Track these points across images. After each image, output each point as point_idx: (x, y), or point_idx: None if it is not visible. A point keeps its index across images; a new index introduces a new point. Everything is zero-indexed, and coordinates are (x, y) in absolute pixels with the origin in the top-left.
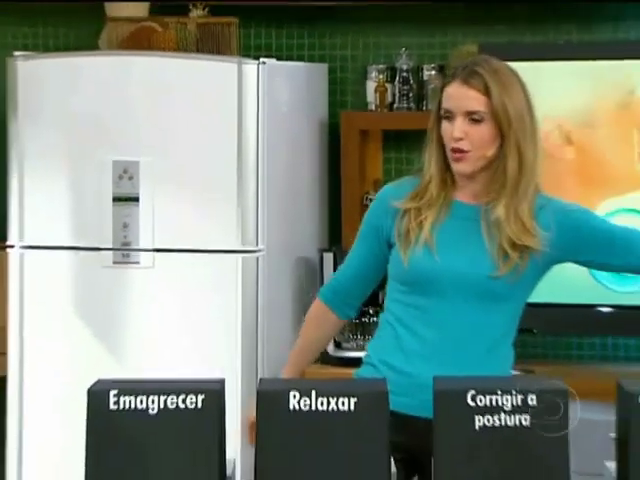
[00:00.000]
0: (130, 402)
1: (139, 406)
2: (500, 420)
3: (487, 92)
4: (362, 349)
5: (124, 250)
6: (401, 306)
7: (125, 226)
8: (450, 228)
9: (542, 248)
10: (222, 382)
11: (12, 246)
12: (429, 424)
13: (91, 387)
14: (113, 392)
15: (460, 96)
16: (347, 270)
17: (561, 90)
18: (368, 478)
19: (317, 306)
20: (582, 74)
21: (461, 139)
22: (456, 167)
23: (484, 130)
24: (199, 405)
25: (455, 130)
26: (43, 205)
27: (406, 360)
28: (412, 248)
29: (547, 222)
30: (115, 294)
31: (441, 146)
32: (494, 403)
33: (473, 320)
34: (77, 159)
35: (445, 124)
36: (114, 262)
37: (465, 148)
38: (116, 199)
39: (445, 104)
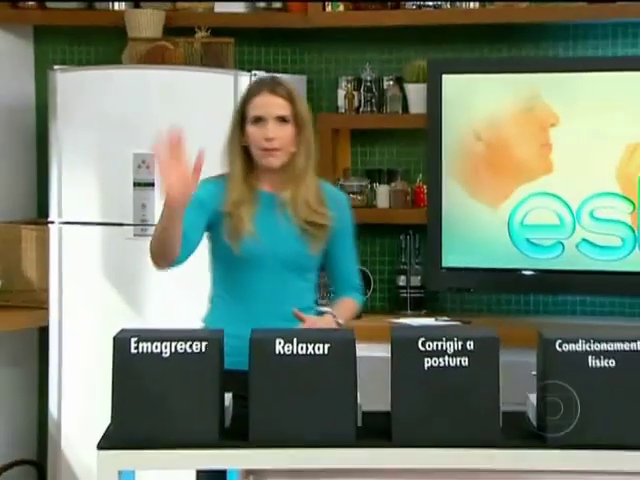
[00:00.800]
0: (147, 347)
1: (154, 350)
2: (445, 361)
3: (290, 99)
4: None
5: (142, 225)
6: (229, 282)
7: (143, 206)
8: (264, 216)
9: (331, 224)
10: (221, 332)
11: (52, 222)
12: None
13: (116, 335)
14: (134, 339)
15: (269, 104)
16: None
17: (486, 96)
18: (338, 406)
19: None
20: (504, 84)
21: (273, 139)
22: (268, 162)
23: (290, 130)
24: (203, 350)
25: (269, 132)
26: (77, 189)
27: (235, 325)
28: (241, 239)
29: (330, 203)
30: (135, 261)
31: (242, 147)
32: (440, 347)
33: (289, 288)
34: (105, 152)
35: (253, 128)
36: (134, 235)
37: (276, 146)
38: (136, 184)
39: (255, 112)
